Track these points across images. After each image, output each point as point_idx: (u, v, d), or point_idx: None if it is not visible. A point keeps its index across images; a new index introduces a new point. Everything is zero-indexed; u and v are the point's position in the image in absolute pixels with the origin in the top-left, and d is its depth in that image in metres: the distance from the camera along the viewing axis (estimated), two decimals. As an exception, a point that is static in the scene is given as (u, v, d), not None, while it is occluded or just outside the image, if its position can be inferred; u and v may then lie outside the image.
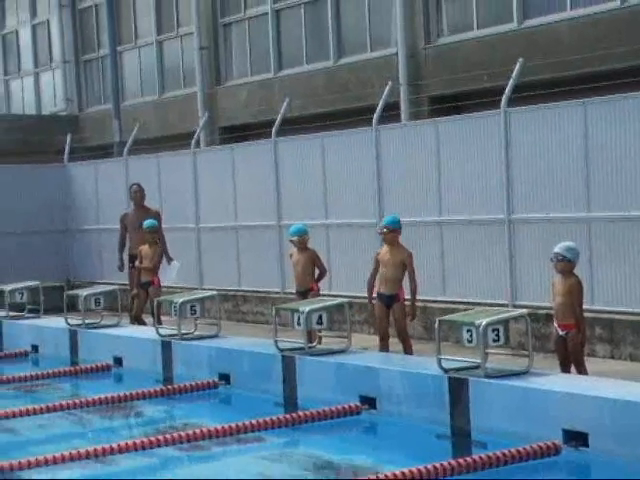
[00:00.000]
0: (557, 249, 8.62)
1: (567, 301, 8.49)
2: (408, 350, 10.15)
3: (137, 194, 14.10)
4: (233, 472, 7.49)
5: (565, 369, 8.48)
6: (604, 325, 10.54)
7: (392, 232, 10.25)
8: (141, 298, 13.13)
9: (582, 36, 14.11)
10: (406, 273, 10.19)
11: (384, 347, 10.23)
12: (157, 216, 13.73)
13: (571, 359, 8.52)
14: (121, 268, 14.25)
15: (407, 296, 10.21)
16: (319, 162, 13.95)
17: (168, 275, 13.69)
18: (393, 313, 10.18)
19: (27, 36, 26.18)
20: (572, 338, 8.45)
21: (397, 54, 16.54)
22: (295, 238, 11.28)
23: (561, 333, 8.52)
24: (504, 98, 11.48)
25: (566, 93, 11.91)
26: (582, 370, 8.46)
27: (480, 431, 7.61)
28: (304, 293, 11.09)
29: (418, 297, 12.15)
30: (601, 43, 13.64)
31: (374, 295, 10.29)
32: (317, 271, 11.29)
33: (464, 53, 15.71)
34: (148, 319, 13.06)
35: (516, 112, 11.49)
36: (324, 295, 11.51)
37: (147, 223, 13.17)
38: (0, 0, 26.80)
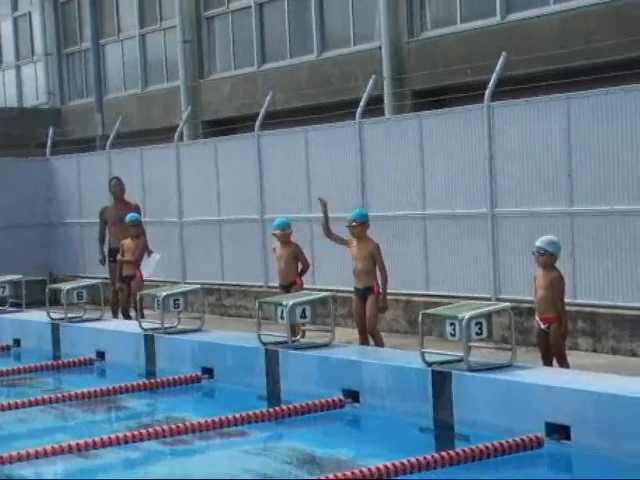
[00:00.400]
0: (538, 243, 8.66)
1: (548, 295, 8.53)
2: (379, 344, 10.16)
3: (117, 188, 14.11)
4: (217, 466, 7.49)
5: (547, 362, 8.51)
6: (586, 319, 10.59)
7: (360, 225, 10.30)
8: (124, 292, 13.10)
9: (565, 30, 14.14)
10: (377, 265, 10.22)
11: (364, 340, 10.25)
12: (137, 210, 13.76)
13: (553, 352, 8.55)
14: (102, 262, 14.24)
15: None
16: (302, 156, 13.95)
17: (147, 267, 13.65)
18: (366, 306, 10.18)
19: (9, 29, 26.03)
20: (553, 331, 8.49)
21: (380, 48, 16.53)
22: (277, 232, 11.28)
23: (543, 327, 8.56)
24: (487, 92, 11.50)
25: (549, 87, 11.94)
26: (564, 363, 8.50)
27: (463, 424, 7.63)
28: (287, 287, 11.10)
29: (400, 290, 12.23)
30: (584, 37, 13.67)
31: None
32: (300, 265, 11.29)
33: (447, 47, 15.72)
34: (132, 313, 13.03)
35: (499, 106, 11.52)
36: (308, 289, 11.51)
37: (130, 217, 13.16)
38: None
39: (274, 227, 11.39)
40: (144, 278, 13.30)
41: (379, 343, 10.21)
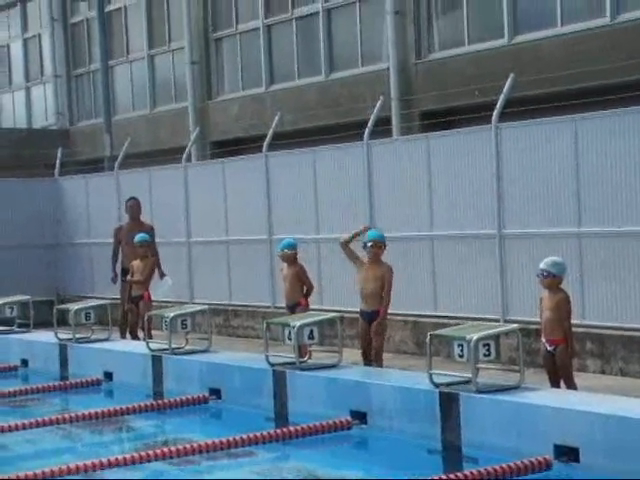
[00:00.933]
0: (542, 265, 8.64)
1: (555, 316, 8.50)
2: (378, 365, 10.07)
3: (133, 208, 14.18)
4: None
5: (554, 384, 8.48)
6: (595, 340, 10.55)
7: (380, 247, 10.21)
8: (133, 312, 13.11)
9: (572, 52, 14.17)
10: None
11: (367, 363, 10.20)
12: (151, 230, 13.84)
13: (560, 374, 8.52)
14: (114, 280, 14.24)
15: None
16: (310, 177, 13.96)
17: (160, 290, 13.74)
18: (372, 330, 10.12)
19: (18, 50, 26.18)
20: (560, 353, 8.46)
21: (388, 69, 16.59)
22: (280, 252, 11.30)
23: (549, 348, 8.53)
24: (495, 113, 11.52)
25: (557, 109, 11.96)
26: (571, 385, 8.46)
27: (471, 446, 7.59)
28: (292, 307, 11.10)
29: (408, 311, 12.22)
30: (591, 59, 13.70)
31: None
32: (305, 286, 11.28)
33: (455, 68, 15.77)
34: (140, 334, 13.02)
35: (507, 127, 11.53)
36: (315, 310, 11.50)
37: (138, 237, 13.19)
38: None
39: (278, 248, 11.43)
40: (153, 299, 13.32)
41: (379, 364, 10.10)
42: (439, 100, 15.76)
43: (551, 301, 8.54)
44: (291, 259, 11.26)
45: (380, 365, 10.15)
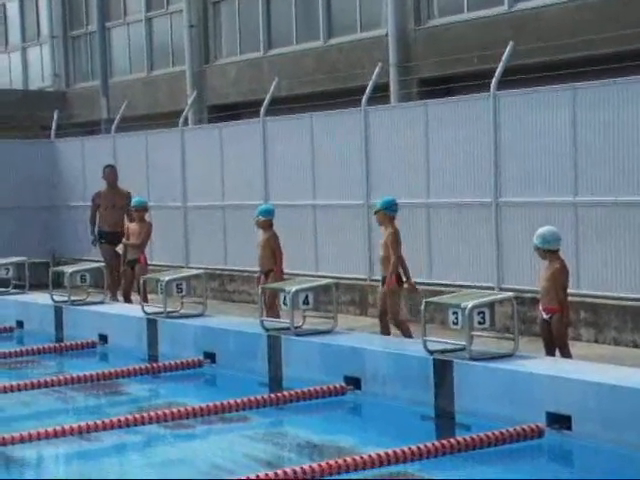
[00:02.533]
0: (533, 239, 8.66)
1: (550, 285, 8.52)
2: (406, 334, 9.98)
3: (110, 175, 14.43)
4: (217, 451, 7.51)
5: (550, 352, 8.52)
6: (589, 309, 10.58)
7: (379, 213, 10.27)
8: (128, 276, 13.11)
9: (572, 20, 14.10)
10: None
11: (382, 327, 10.16)
12: (127, 196, 14.09)
13: (555, 343, 8.55)
14: (94, 243, 14.49)
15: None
16: (307, 142, 13.93)
17: None
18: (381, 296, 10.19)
19: (15, 10, 25.99)
20: (555, 321, 8.49)
21: (387, 35, 16.50)
22: (255, 219, 11.34)
23: (545, 317, 8.56)
24: (494, 81, 11.47)
25: (555, 77, 11.91)
26: (566, 353, 8.50)
27: (464, 413, 7.64)
28: (266, 274, 11.14)
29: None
30: (591, 28, 13.64)
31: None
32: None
33: (454, 35, 15.68)
34: (135, 297, 13.04)
35: (505, 95, 11.49)
36: (310, 276, 11.52)
37: (136, 200, 13.24)
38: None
39: (256, 214, 11.40)
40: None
41: (407, 332, 10.00)
42: (438, 67, 15.69)
43: (547, 271, 8.57)
44: (265, 226, 11.25)
45: (401, 330, 10.09)
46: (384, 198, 10.65)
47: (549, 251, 8.56)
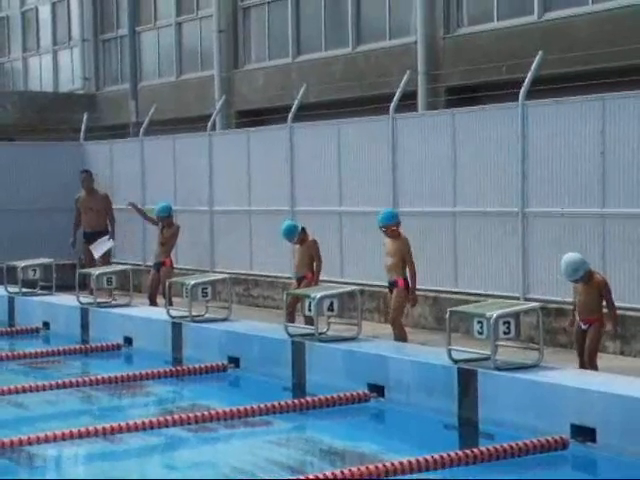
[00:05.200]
0: (564, 276, 8.68)
1: (590, 299, 8.57)
2: (399, 337, 10.24)
3: (85, 181, 15.44)
4: (240, 454, 7.52)
5: (583, 364, 8.52)
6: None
7: (392, 228, 10.42)
8: (154, 279, 13.19)
9: (602, 31, 14.04)
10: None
11: (398, 332, 10.30)
12: (106, 198, 15.42)
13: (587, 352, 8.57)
14: (73, 244, 15.35)
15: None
16: (334, 149, 13.94)
17: (98, 249, 15.01)
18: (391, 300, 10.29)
19: (46, 13, 26.19)
20: (593, 332, 8.51)
21: (416, 43, 16.50)
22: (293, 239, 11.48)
23: (584, 327, 8.59)
24: (522, 91, 11.44)
25: (585, 88, 11.86)
26: (593, 365, 8.49)
27: (488, 423, 7.62)
28: (299, 280, 11.25)
29: (428, 287, 12.22)
30: (621, 38, 13.57)
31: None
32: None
33: (483, 44, 15.66)
34: (160, 300, 13.09)
35: (534, 105, 11.45)
36: (336, 282, 11.53)
37: (158, 209, 13.40)
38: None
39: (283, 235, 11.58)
40: (98, 259, 14.60)
41: (400, 336, 10.24)
42: (466, 76, 15.67)
43: (587, 287, 8.59)
44: (298, 242, 11.38)
45: (398, 331, 10.23)
46: (387, 211, 10.86)
47: (584, 279, 8.59)
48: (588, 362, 8.50)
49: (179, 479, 6.76)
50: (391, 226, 10.45)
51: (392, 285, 10.34)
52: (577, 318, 8.68)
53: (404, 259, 10.31)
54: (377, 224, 10.64)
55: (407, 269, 10.34)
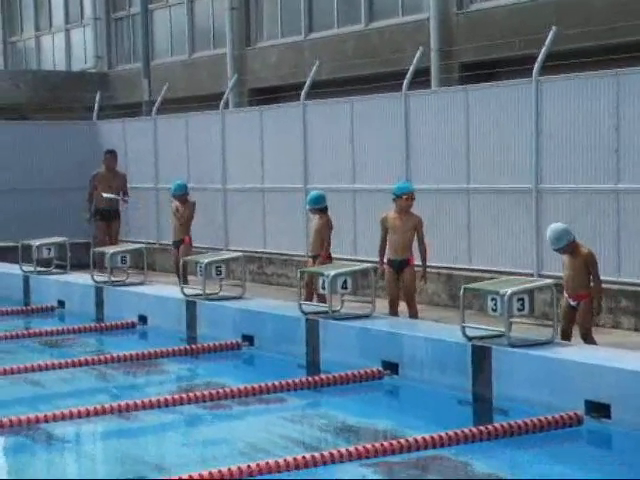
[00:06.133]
0: (550, 245, 8.65)
1: (578, 273, 8.52)
2: (413, 314, 10.31)
3: (111, 162, 15.66)
4: (255, 431, 7.56)
5: (566, 338, 8.46)
6: (630, 297, 10.49)
7: (413, 199, 10.36)
8: (175, 256, 13.27)
9: (616, 5, 13.93)
10: (415, 238, 10.32)
11: (394, 312, 10.31)
12: (124, 178, 15.74)
13: (580, 329, 8.54)
14: (89, 220, 15.55)
15: (417, 262, 10.36)
16: (347, 126, 13.91)
17: (107, 194, 15.45)
18: (403, 278, 10.27)
19: (58, -8, 26.16)
20: (584, 308, 8.46)
21: (429, 19, 16.41)
22: (308, 207, 11.40)
23: (572, 303, 8.54)
24: (536, 67, 11.37)
25: (599, 62, 11.79)
26: (590, 340, 8.48)
27: (502, 399, 7.63)
28: (314, 258, 11.24)
29: (442, 264, 12.22)
30: (635, 12, 13.47)
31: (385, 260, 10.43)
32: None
33: (496, 20, 15.56)
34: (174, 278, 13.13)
35: (548, 81, 11.39)
36: (349, 260, 11.53)
37: (175, 187, 13.40)
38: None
39: (306, 203, 11.51)
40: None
41: (413, 313, 10.25)
42: (480, 52, 15.59)
43: (574, 260, 8.55)
44: (318, 213, 11.31)
45: (415, 310, 10.26)
46: (409, 184, 10.73)
47: (567, 249, 8.55)
48: (583, 339, 8.48)
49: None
50: (414, 196, 10.33)
51: (402, 263, 10.30)
52: (565, 294, 8.64)
53: (413, 237, 10.28)
54: (397, 193, 10.48)
55: (420, 247, 10.31)
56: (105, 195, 15.34)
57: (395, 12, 17.52)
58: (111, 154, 15.82)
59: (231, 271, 11.20)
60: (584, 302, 8.52)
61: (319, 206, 11.30)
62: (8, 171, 17.77)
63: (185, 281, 11.90)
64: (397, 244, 10.34)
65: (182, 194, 13.44)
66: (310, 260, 11.48)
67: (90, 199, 15.58)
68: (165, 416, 7.75)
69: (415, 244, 10.40)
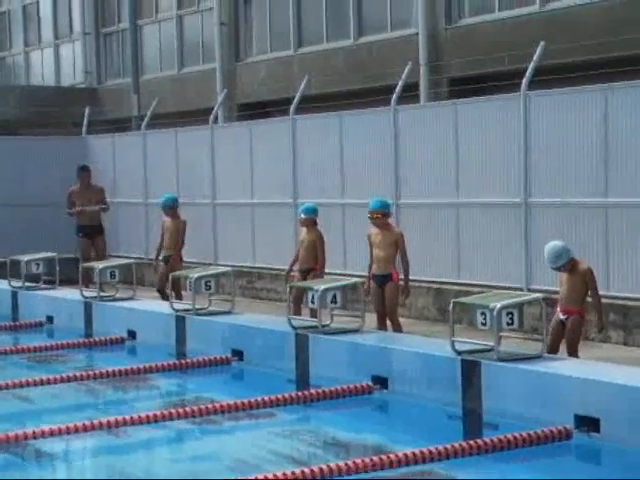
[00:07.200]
0: (548, 264, 8.65)
1: (573, 289, 8.56)
2: (396, 329, 10.29)
3: (85, 179, 15.58)
4: (244, 447, 7.54)
5: (552, 352, 8.48)
6: (618, 311, 10.52)
7: (383, 216, 10.37)
8: (162, 272, 13.18)
9: (604, 20, 14.02)
10: (398, 253, 10.33)
11: (382, 327, 10.30)
12: (102, 192, 15.70)
13: (567, 342, 8.55)
14: (71, 215, 15.51)
15: (402, 276, 10.38)
16: (337, 141, 13.93)
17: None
18: (385, 292, 10.25)
19: (48, 7, 26.17)
20: (572, 322, 8.47)
21: (418, 34, 16.47)
22: (300, 217, 11.38)
23: (562, 317, 8.56)
24: (524, 81, 11.42)
25: (587, 77, 11.85)
26: (574, 355, 8.49)
27: (492, 414, 7.62)
28: (306, 272, 11.20)
29: (431, 278, 12.22)
30: (623, 27, 13.55)
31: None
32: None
33: (485, 35, 15.64)
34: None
35: (536, 96, 11.44)
36: (338, 274, 11.53)
37: (165, 199, 13.35)
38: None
39: (300, 211, 11.50)
40: None
41: (397, 328, 10.27)
42: (468, 67, 15.65)
43: (572, 277, 8.57)
44: (309, 224, 11.31)
45: (397, 325, 10.27)
46: (381, 200, 10.69)
47: (567, 267, 8.57)
48: (569, 354, 8.50)
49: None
50: (383, 213, 10.36)
51: (385, 278, 10.30)
52: (557, 308, 8.67)
53: (396, 252, 10.28)
54: (368, 213, 10.51)
55: (402, 262, 10.31)
56: (88, 209, 15.31)
57: (384, 27, 17.59)
58: (85, 171, 15.75)
59: (220, 286, 11.18)
60: (573, 317, 8.54)
61: (313, 216, 11.32)
62: (-3, 186, 17.75)
63: (179, 296, 11.90)
64: (379, 259, 10.35)
65: (171, 206, 13.36)
66: (298, 275, 11.43)
67: (70, 214, 15.57)
68: (154, 431, 7.72)
69: (399, 259, 10.39)
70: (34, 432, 7.31)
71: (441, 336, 9.62)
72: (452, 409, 7.88)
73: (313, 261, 11.27)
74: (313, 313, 10.12)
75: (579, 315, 8.56)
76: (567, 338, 8.55)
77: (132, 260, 13.29)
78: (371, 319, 10.26)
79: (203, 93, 20.62)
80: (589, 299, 8.73)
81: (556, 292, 10.58)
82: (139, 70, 21.80)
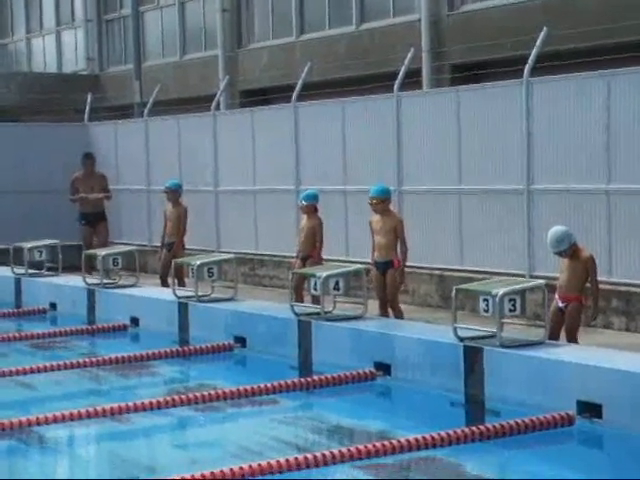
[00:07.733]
0: (550, 248, 8.63)
1: (573, 276, 8.53)
2: (397, 316, 10.29)
3: (89, 166, 15.55)
4: (247, 433, 7.56)
5: (553, 339, 8.48)
6: (621, 297, 10.53)
7: (382, 202, 10.33)
8: (165, 259, 13.21)
9: (607, 6, 13.97)
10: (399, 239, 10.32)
11: (384, 313, 10.31)
12: (104, 179, 15.69)
13: (566, 328, 8.55)
14: (73, 200, 15.45)
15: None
16: (339, 128, 13.91)
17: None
18: (387, 279, 10.26)
19: (49, -6, 26.12)
20: (571, 309, 8.47)
21: (420, 21, 16.43)
22: (300, 204, 11.38)
23: (561, 305, 8.55)
24: (527, 68, 11.40)
25: (590, 64, 11.82)
26: (574, 341, 8.50)
27: (494, 400, 7.64)
28: (305, 259, 11.21)
29: (434, 265, 12.22)
30: (626, 13, 13.51)
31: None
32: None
33: (487, 21, 15.59)
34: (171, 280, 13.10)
35: (539, 82, 11.42)
36: (341, 261, 11.53)
37: (170, 184, 13.39)
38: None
39: (300, 198, 11.49)
40: None
41: (398, 315, 10.27)
42: (471, 53, 15.61)
43: (572, 263, 8.56)
44: (310, 211, 11.31)
45: (398, 312, 10.27)
46: (381, 186, 10.64)
47: (569, 252, 8.56)
48: (568, 340, 8.50)
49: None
50: (382, 199, 10.34)
51: (386, 265, 10.28)
52: (556, 296, 8.66)
53: (396, 238, 10.28)
54: (368, 199, 10.50)
55: (400, 248, 10.29)
56: (91, 196, 15.30)
57: (386, 13, 17.54)
58: (90, 158, 15.74)
59: (223, 273, 11.19)
60: (572, 304, 8.54)
61: (314, 203, 11.32)
62: (-1, 173, 17.76)
63: (182, 283, 11.91)
64: (380, 246, 10.34)
65: (174, 190, 13.36)
66: (298, 261, 11.41)
67: (73, 201, 15.56)
68: (157, 418, 7.74)
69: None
70: (37, 419, 7.33)
71: (444, 322, 9.63)
72: (455, 395, 7.89)
73: (313, 248, 11.27)
74: (315, 300, 10.13)
75: (578, 302, 8.56)
76: (567, 325, 8.55)
77: (135, 247, 13.31)
78: (373, 306, 10.29)
79: (205, 80, 20.59)
80: (588, 285, 8.72)
81: (558, 279, 10.61)
82: (141, 57, 21.74)
